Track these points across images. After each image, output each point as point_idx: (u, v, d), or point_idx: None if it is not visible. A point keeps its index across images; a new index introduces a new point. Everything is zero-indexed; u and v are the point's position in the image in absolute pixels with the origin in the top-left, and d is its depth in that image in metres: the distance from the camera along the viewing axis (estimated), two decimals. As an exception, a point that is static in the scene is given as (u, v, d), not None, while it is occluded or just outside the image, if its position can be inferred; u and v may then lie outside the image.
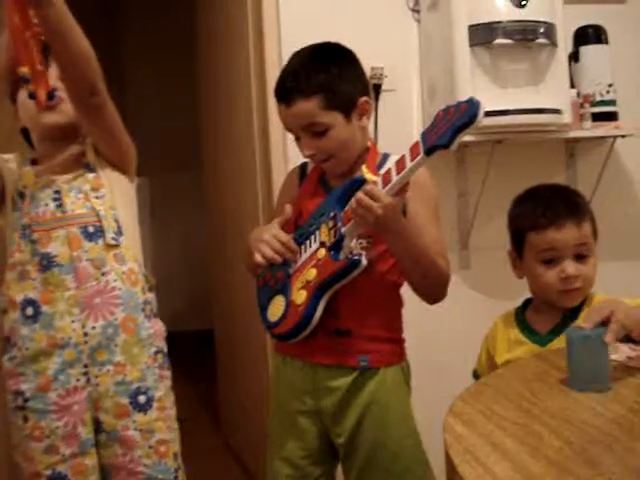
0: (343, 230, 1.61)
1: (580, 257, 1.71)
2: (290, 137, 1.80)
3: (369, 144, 1.78)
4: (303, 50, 1.76)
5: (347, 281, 1.61)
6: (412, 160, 1.49)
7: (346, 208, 1.60)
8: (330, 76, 1.68)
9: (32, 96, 1.57)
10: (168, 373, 1.78)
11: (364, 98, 1.71)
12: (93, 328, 1.66)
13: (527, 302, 1.83)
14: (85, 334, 1.66)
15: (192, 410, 4.11)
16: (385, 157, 1.76)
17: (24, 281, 1.68)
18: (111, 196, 1.73)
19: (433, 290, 1.72)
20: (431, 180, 1.75)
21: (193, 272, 5.33)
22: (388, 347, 1.75)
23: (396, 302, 1.79)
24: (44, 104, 1.60)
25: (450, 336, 2.56)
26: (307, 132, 1.70)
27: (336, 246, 1.62)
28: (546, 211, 1.72)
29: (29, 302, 1.67)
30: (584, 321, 1.38)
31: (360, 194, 1.54)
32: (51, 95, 1.59)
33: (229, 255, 3.29)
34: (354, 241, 1.64)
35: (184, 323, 4.82)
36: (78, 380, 1.67)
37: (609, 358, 1.33)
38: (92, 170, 1.74)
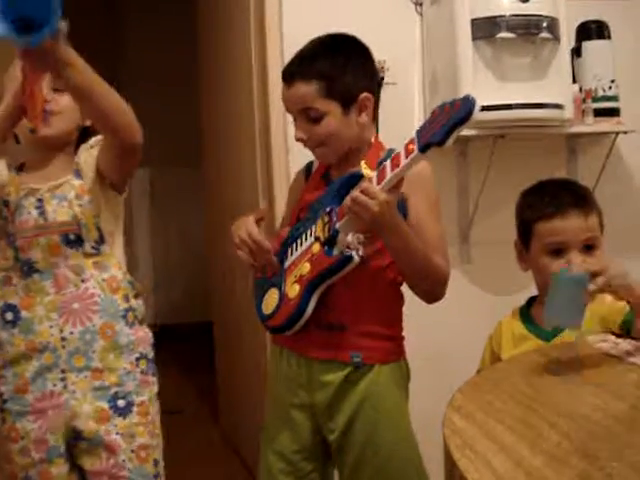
0: (337, 226, 1.60)
1: (587, 249, 1.71)
2: (291, 131, 1.80)
3: (372, 140, 1.77)
4: (320, 37, 1.76)
5: (340, 276, 1.60)
6: (407, 157, 1.48)
7: (342, 205, 1.59)
8: (335, 65, 1.68)
9: (32, 131, 1.65)
10: (153, 379, 1.78)
11: (365, 94, 1.69)
12: (71, 333, 1.68)
13: (532, 299, 1.83)
14: (63, 339, 1.68)
15: (190, 402, 4.12)
16: (390, 152, 1.75)
17: (6, 287, 1.71)
18: (96, 204, 1.72)
19: (431, 289, 1.69)
20: (431, 176, 1.73)
21: (192, 264, 5.33)
22: (384, 344, 1.73)
23: (395, 299, 1.78)
24: (39, 131, 1.65)
25: (450, 330, 2.56)
26: (302, 116, 1.70)
27: (330, 241, 1.61)
28: (552, 201, 1.72)
29: (9, 307, 1.70)
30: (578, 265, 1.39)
31: (355, 192, 1.52)
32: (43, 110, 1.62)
33: (228, 246, 3.29)
34: (350, 236, 1.60)
35: (183, 315, 4.84)
36: (55, 385, 1.69)
37: (585, 301, 1.36)
38: (79, 176, 1.74)
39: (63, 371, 1.69)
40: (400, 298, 1.79)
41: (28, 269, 1.69)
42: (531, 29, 2.33)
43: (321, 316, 1.68)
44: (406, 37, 2.63)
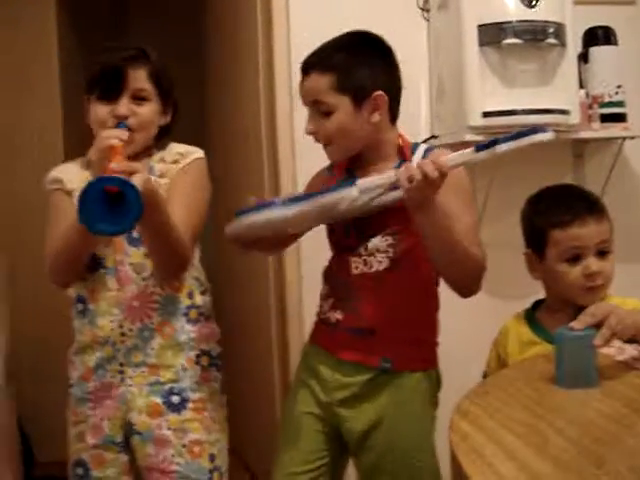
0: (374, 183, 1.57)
1: (601, 254, 1.73)
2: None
3: (400, 142, 1.76)
4: (348, 32, 1.76)
5: (337, 199, 1.56)
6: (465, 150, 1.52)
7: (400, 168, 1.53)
8: (352, 59, 1.68)
9: None
10: (215, 375, 1.80)
11: (379, 92, 1.67)
12: (130, 330, 1.71)
13: (536, 304, 1.83)
14: (122, 334, 1.71)
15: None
16: (415, 146, 1.76)
17: (79, 280, 1.75)
18: None
19: (468, 280, 1.66)
20: (463, 171, 1.71)
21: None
22: (414, 350, 1.72)
23: (428, 302, 1.77)
24: None
25: (457, 335, 2.54)
26: (314, 109, 1.70)
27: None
28: (569, 208, 1.74)
29: (80, 298, 1.76)
30: (576, 322, 1.38)
31: (428, 169, 1.46)
32: (124, 127, 1.67)
33: (234, 255, 3.28)
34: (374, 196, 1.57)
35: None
36: (113, 377, 1.73)
37: (597, 359, 1.33)
38: (154, 174, 1.75)
39: (121, 364, 1.72)
40: (435, 302, 1.78)
41: (95, 264, 1.72)
42: (538, 35, 2.33)
43: (349, 320, 1.70)
44: (413, 42, 2.63)
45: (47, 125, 3.32)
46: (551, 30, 2.35)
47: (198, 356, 1.76)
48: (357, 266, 1.71)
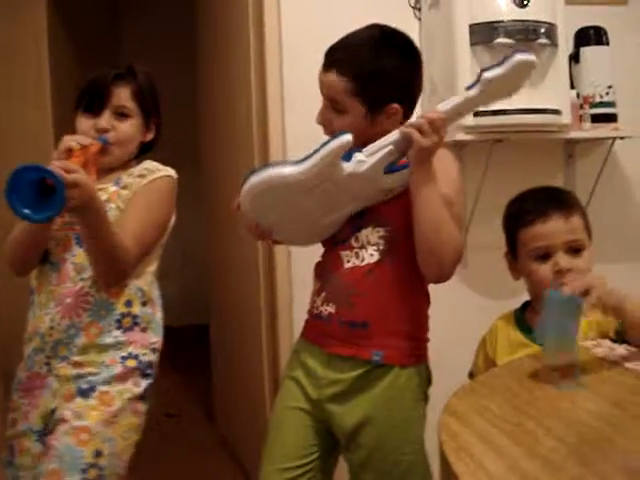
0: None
1: (573, 251, 1.71)
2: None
3: None
4: (377, 27, 1.76)
5: (327, 153, 1.57)
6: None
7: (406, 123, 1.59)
8: (375, 68, 1.66)
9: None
10: (136, 380, 1.78)
11: (394, 105, 1.67)
12: (59, 325, 1.75)
13: (525, 304, 1.83)
14: (51, 328, 1.75)
15: (187, 404, 4.12)
16: None
17: (35, 271, 1.81)
18: (115, 213, 1.77)
19: (445, 261, 1.64)
20: (453, 158, 1.74)
21: (190, 267, 5.33)
22: (406, 344, 1.72)
23: (420, 298, 1.77)
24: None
25: (446, 334, 2.55)
26: (328, 103, 1.72)
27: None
28: (533, 207, 1.74)
29: (32, 290, 1.82)
30: (566, 287, 1.39)
31: (431, 116, 1.55)
32: (102, 141, 1.77)
33: (226, 250, 3.29)
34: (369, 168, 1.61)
35: (180, 318, 4.82)
36: (40, 367, 1.77)
37: (580, 323, 1.38)
38: (118, 185, 1.81)
39: (48, 357, 1.76)
40: (426, 298, 1.79)
41: (44, 258, 1.78)
42: (529, 35, 2.33)
43: (342, 314, 1.70)
44: (405, 41, 2.63)
45: (38, 129, 3.31)
46: (542, 30, 2.35)
47: (124, 357, 1.76)
48: (349, 259, 1.72)
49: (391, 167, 1.64)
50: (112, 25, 5.27)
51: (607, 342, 1.56)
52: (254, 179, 1.61)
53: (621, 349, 1.49)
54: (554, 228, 1.70)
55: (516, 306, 1.85)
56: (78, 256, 1.75)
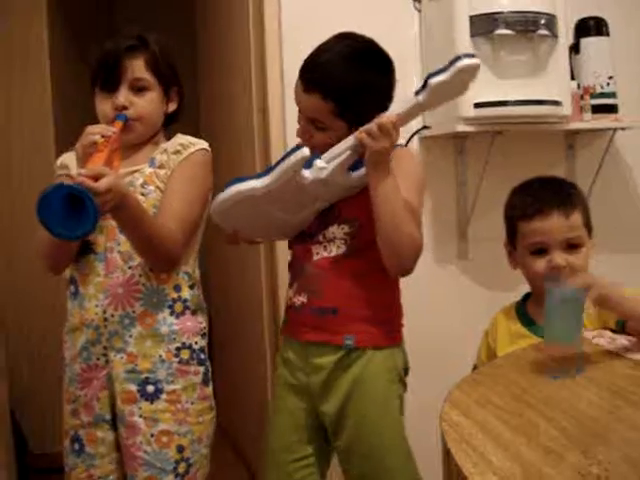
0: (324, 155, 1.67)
1: (570, 248, 1.71)
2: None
3: None
4: (346, 39, 1.76)
5: (287, 168, 1.63)
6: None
7: (361, 129, 1.63)
8: (354, 89, 1.70)
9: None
10: (195, 369, 1.79)
11: (375, 114, 1.69)
12: (112, 316, 1.73)
13: (527, 295, 1.83)
14: (105, 319, 1.73)
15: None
16: None
17: (73, 262, 1.78)
18: (157, 194, 1.75)
19: (404, 256, 1.69)
20: (413, 158, 1.81)
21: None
22: (377, 328, 1.76)
23: (388, 285, 1.80)
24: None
25: (448, 326, 2.56)
26: (309, 121, 1.75)
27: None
28: (534, 200, 1.73)
29: (72, 281, 1.79)
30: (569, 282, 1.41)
31: (381, 121, 1.60)
32: (121, 118, 1.71)
33: (226, 246, 3.29)
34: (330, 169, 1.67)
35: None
36: (98, 359, 1.75)
37: (583, 320, 1.41)
38: (153, 165, 1.77)
39: (105, 348, 1.74)
40: (395, 285, 1.83)
41: (87, 249, 1.75)
42: (529, 26, 2.33)
43: (313, 301, 1.76)
44: (404, 33, 2.63)
45: (38, 123, 3.31)
46: (543, 21, 2.35)
47: (178, 349, 1.76)
48: (317, 252, 1.78)
49: (355, 165, 1.69)
50: (110, 23, 5.26)
51: (608, 332, 1.56)
52: (221, 196, 1.70)
53: (622, 339, 1.50)
54: (553, 225, 1.70)
55: (516, 297, 1.85)
56: (124, 244, 1.72)
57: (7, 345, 2.84)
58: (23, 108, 3.27)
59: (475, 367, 1.86)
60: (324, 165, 1.65)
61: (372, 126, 1.60)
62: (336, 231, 1.75)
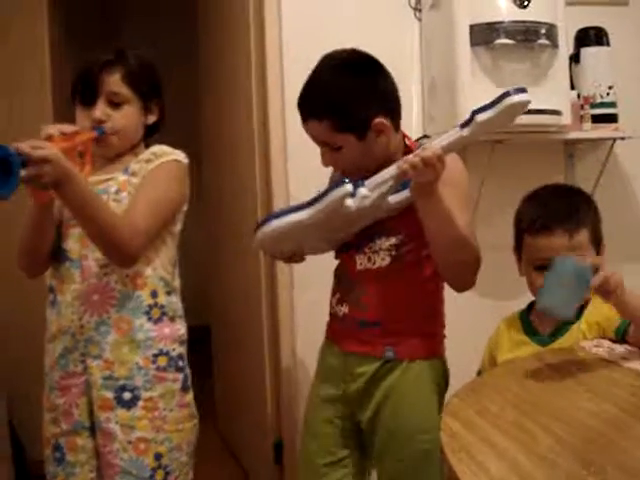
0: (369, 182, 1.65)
1: None
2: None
3: (407, 142, 1.82)
4: (329, 59, 1.76)
5: (331, 202, 1.62)
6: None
7: (398, 163, 1.61)
8: (344, 97, 1.69)
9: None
10: (173, 376, 1.80)
11: (379, 119, 1.69)
12: (88, 322, 1.74)
13: (532, 304, 1.83)
14: (81, 326, 1.74)
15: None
16: (420, 145, 1.79)
17: (50, 270, 1.80)
18: (130, 201, 1.75)
19: (465, 272, 1.70)
20: (461, 167, 1.77)
21: (190, 268, 5.32)
22: (417, 341, 1.77)
23: (432, 295, 1.82)
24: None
25: (449, 334, 2.55)
26: (324, 146, 1.74)
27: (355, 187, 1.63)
28: (541, 215, 1.71)
29: (51, 289, 1.80)
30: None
31: (425, 154, 1.55)
32: (99, 132, 1.75)
33: (227, 251, 3.29)
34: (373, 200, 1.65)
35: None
36: (76, 366, 1.76)
37: (584, 294, 1.42)
38: (127, 173, 1.79)
39: (82, 355, 1.75)
40: (439, 295, 1.83)
41: (62, 256, 1.77)
42: (529, 35, 2.33)
43: (355, 313, 1.78)
44: (405, 42, 2.64)
45: (39, 126, 3.31)
46: (543, 31, 2.35)
47: (155, 355, 1.76)
48: (361, 262, 1.78)
49: (396, 187, 1.68)
50: (112, 27, 5.27)
51: (607, 342, 1.56)
52: (263, 231, 1.72)
53: (621, 349, 1.50)
54: (556, 244, 1.67)
55: (517, 306, 1.85)
56: (98, 251, 1.72)
57: (7, 351, 2.84)
58: (24, 111, 3.26)
59: (479, 372, 1.86)
60: (367, 194, 1.62)
61: (415, 160, 1.55)
62: (383, 243, 1.75)
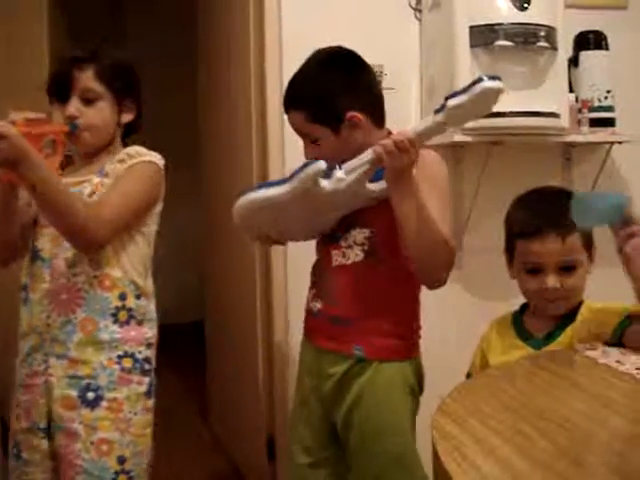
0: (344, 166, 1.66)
1: (565, 270, 1.69)
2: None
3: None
4: (316, 54, 1.81)
5: (304, 178, 1.63)
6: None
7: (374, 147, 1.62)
8: (320, 89, 1.74)
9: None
10: (139, 379, 1.79)
11: (352, 113, 1.72)
12: (54, 321, 1.75)
13: (525, 306, 1.83)
14: (48, 325, 1.75)
15: (181, 402, 4.12)
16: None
17: (25, 268, 1.82)
18: None
19: (438, 266, 1.69)
20: (439, 163, 1.78)
21: (185, 264, 5.32)
22: (388, 341, 1.76)
23: (404, 295, 1.80)
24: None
25: (442, 336, 2.56)
26: (304, 138, 1.79)
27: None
28: (532, 218, 1.71)
29: (24, 287, 1.81)
30: None
31: (397, 138, 1.58)
32: (71, 127, 1.76)
33: (222, 248, 3.29)
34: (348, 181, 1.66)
35: (175, 315, 4.81)
36: (39, 365, 1.77)
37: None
38: (102, 175, 1.80)
39: (46, 354, 1.76)
40: (413, 296, 1.83)
41: (35, 255, 1.78)
42: (529, 38, 2.34)
43: (328, 309, 1.78)
44: (404, 43, 2.64)
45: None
46: (542, 33, 2.36)
47: (120, 357, 1.76)
48: (337, 258, 1.79)
49: (376, 175, 1.69)
50: (115, 23, 5.27)
51: (601, 345, 1.57)
52: (240, 202, 1.72)
53: (615, 352, 1.50)
54: (548, 248, 1.67)
55: (511, 308, 1.85)
56: (68, 250, 1.74)
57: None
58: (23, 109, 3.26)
59: (469, 375, 1.86)
60: (343, 176, 1.65)
61: (388, 142, 1.58)
62: (357, 235, 1.76)
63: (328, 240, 1.82)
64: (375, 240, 1.74)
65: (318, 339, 1.82)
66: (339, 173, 1.65)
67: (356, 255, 1.76)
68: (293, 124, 1.79)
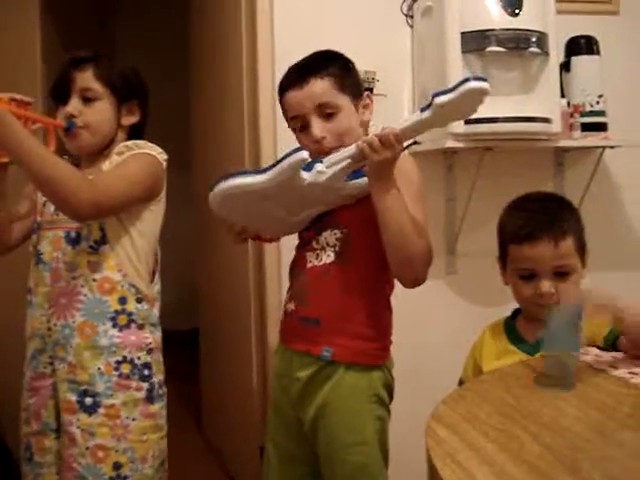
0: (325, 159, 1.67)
1: (559, 275, 1.69)
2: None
3: None
4: (312, 53, 1.84)
5: (285, 168, 1.60)
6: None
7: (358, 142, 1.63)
8: (341, 66, 1.79)
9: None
10: (137, 384, 1.78)
11: (367, 92, 1.82)
12: (55, 325, 1.76)
13: (517, 311, 1.83)
14: (49, 329, 1.77)
15: (175, 409, 4.10)
16: None
17: (30, 272, 1.83)
18: None
19: (414, 267, 1.69)
20: (414, 167, 1.79)
21: (179, 272, 5.31)
22: (357, 344, 1.75)
23: (375, 299, 1.79)
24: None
25: (435, 341, 2.56)
26: (318, 114, 1.75)
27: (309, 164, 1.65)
28: (525, 225, 1.71)
29: (29, 290, 1.83)
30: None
31: (382, 134, 1.59)
32: (69, 125, 1.78)
33: (216, 255, 3.29)
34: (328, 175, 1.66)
35: (170, 322, 4.79)
36: (45, 367, 1.78)
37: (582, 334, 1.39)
38: (99, 172, 1.79)
39: (50, 357, 1.77)
40: (384, 301, 1.82)
41: (37, 259, 1.80)
42: (520, 43, 2.34)
43: (300, 310, 1.78)
44: (396, 49, 2.65)
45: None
46: (534, 39, 2.36)
47: (118, 362, 1.76)
48: (310, 260, 1.80)
49: (354, 174, 1.69)
50: (104, 28, 5.26)
51: (594, 350, 1.57)
52: (219, 187, 1.66)
53: (608, 357, 1.50)
54: (542, 253, 1.68)
55: (504, 313, 1.85)
56: (68, 254, 1.75)
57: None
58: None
59: (461, 381, 1.86)
60: (323, 169, 1.65)
61: (373, 138, 1.60)
62: (329, 236, 1.76)
63: (304, 243, 1.84)
64: (346, 240, 1.75)
65: (290, 340, 1.83)
66: (319, 166, 1.65)
67: (328, 256, 1.76)
68: (313, 94, 1.74)
